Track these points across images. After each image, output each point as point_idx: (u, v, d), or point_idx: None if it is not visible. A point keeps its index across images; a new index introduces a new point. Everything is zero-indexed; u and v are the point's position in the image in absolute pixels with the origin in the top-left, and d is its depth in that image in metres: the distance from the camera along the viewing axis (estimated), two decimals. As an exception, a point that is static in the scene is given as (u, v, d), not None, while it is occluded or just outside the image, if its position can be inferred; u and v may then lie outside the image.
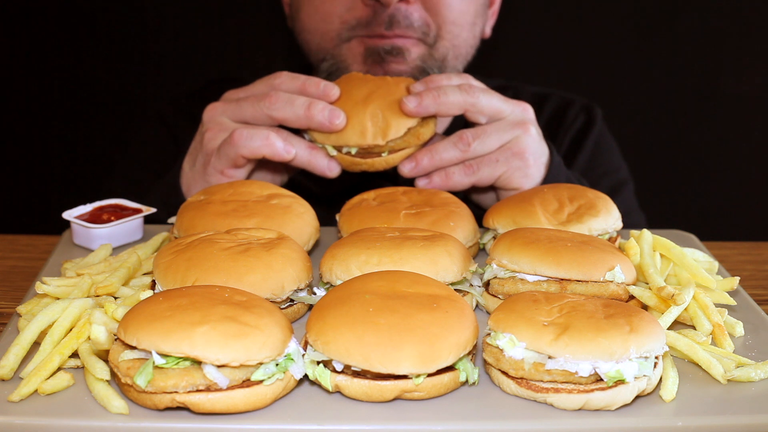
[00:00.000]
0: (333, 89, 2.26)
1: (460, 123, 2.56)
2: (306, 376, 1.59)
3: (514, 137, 2.27)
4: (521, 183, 2.30)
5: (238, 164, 2.24)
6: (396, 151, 2.27)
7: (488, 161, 2.26)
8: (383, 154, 2.26)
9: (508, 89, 3.11)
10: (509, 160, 2.26)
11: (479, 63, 2.94)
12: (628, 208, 2.56)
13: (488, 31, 2.93)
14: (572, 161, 2.93)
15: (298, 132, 2.32)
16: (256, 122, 2.25)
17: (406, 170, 2.27)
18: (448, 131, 2.71)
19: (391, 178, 2.88)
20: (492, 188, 2.38)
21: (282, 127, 2.27)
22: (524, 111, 2.32)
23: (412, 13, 2.56)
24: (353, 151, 2.25)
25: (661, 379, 1.59)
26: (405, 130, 2.24)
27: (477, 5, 2.74)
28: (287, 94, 2.24)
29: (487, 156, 2.26)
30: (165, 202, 2.37)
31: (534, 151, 2.29)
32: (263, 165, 2.35)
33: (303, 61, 2.91)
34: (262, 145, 2.19)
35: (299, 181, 2.53)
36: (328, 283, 1.86)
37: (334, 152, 2.26)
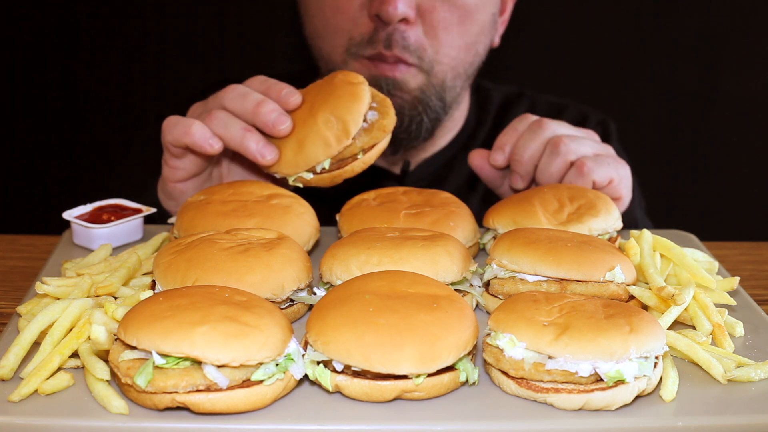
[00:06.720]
0: (294, 96, 2.17)
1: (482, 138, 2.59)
2: (306, 376, 1.59)
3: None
4: (624, 193, 2.32)
5: (172, 153, 2.19)
6: (369, 149, 2.18)
7: (606, 161, 2.28)
8: (359, 156, 2.17)
9: (524, 97, 3.11)
10: (618, 168, 2.29)
11: (490, 68, 2.92)
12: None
13: (497, 41, 2.91)
14: None
15: (275, 179, 2.29)
16: (211, 113, 2.16)
17: (499, 161, 2.34)
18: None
19: (394, 177, 2.88)
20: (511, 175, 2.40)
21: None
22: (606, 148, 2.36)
23: (409, 35, 2.55)
24: (327, 165, 2.15)
25: (661, 379, 1.59)
26: (362, 118, 2.13)
27: (481, 24, 2.69)
28: (246, 88, 2.16)
29: (603, 156, 2.29)
30: (155, 203, 2.37)
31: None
32: (236, 158, 2.32)
33: (303, 62, 2.90)
34: (183, 134, 2.11)
35: None
36: (328, 283, 1.86)
37: (309, 176, 2.17)
